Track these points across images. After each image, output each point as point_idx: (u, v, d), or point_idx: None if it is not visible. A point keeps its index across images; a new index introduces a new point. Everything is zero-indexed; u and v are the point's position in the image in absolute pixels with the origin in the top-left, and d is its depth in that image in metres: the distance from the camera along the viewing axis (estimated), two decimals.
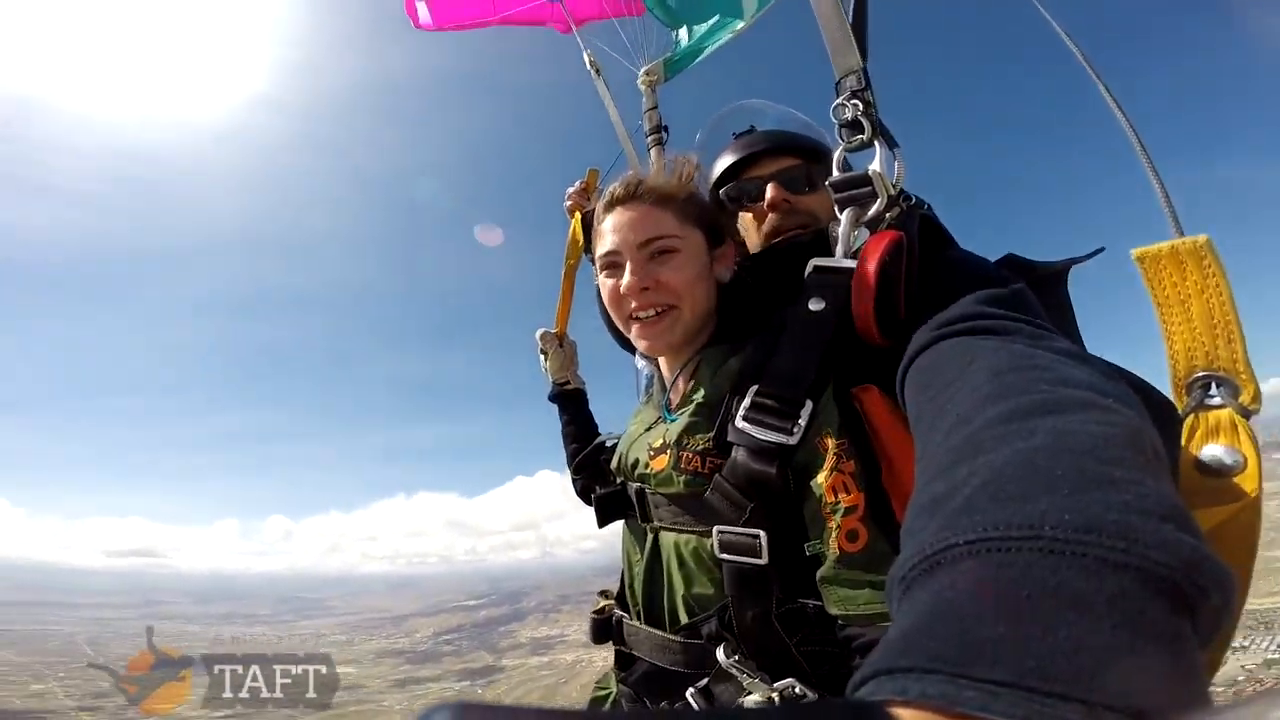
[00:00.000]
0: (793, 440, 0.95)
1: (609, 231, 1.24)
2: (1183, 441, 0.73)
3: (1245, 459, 0.68)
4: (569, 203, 1.98)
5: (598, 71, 2.42)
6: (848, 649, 0.91)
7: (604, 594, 1.41)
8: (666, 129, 2.22)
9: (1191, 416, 0.75)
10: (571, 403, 1.87)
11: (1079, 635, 0.33)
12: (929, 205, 1.21)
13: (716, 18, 2.44)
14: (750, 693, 0.97)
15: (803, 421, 0.95)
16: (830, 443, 0.95)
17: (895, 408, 0.90)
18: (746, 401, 1.00)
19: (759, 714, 0.33)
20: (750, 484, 0.98)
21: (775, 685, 0.96)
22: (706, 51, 2.47)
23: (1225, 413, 0.73)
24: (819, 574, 0.94)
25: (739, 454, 0.99)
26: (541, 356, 1.99)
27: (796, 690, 0.95)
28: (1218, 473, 0.69)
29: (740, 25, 2.41)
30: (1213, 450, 0.69)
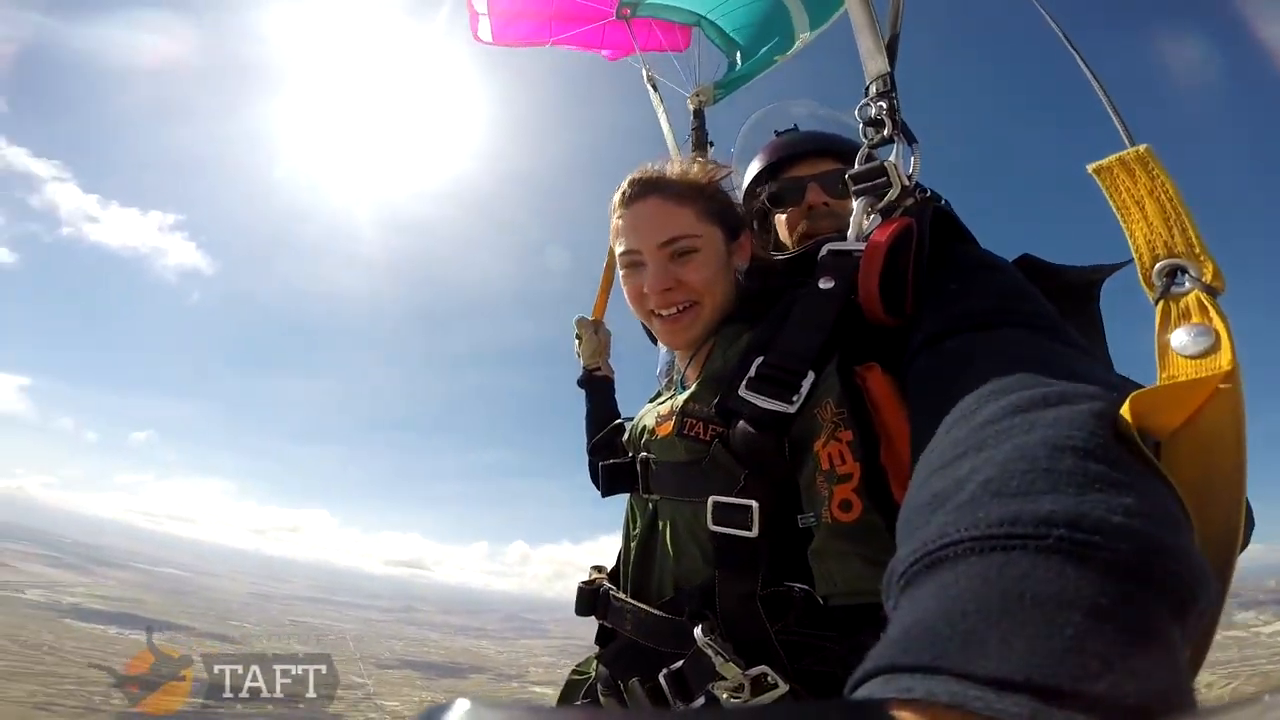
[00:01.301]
0: (792, 409, 0.94)
1: (628, 229, 1.26)
2: (1156, 328, 0.74)
3: (1217, 334, 0.68)
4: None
5: (654, 87, 2.48)
6: (831, 636, 0.92)
7: (597, 568, 1.40)
8: (712, 144, 2.32)
9: (1162, 303, 0.76)
10: (599, 390, 1.91)
11: (1083, 636, 0.33)
12: (946, 200, 1.25)
13: (769, 46, 2.52)
14: (722, 676, 0.95)
15: (804, 392, 0.94)
16: (829, 412, 0.95)
17: (897, 387, 0.89)
18: (751, 371, 0.99)
19: (759, 713, 0.33)
20: (747, 451, 0.99)
21: (748, 671, 0.94)
22: (755, 77, 2.57)
23: (1192, 295, 0.73)
24: (810, 547, 0.94)
25: (739, 422, 0.99)
26: (576, 341, 2.02)
27: (769, 679, 0.94)
28: (1193, 354, 0.69)
29: (790, 52, 2.53)
30: (1184, 332, 0.70)
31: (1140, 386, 0.64)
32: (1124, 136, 1.02)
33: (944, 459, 0.55)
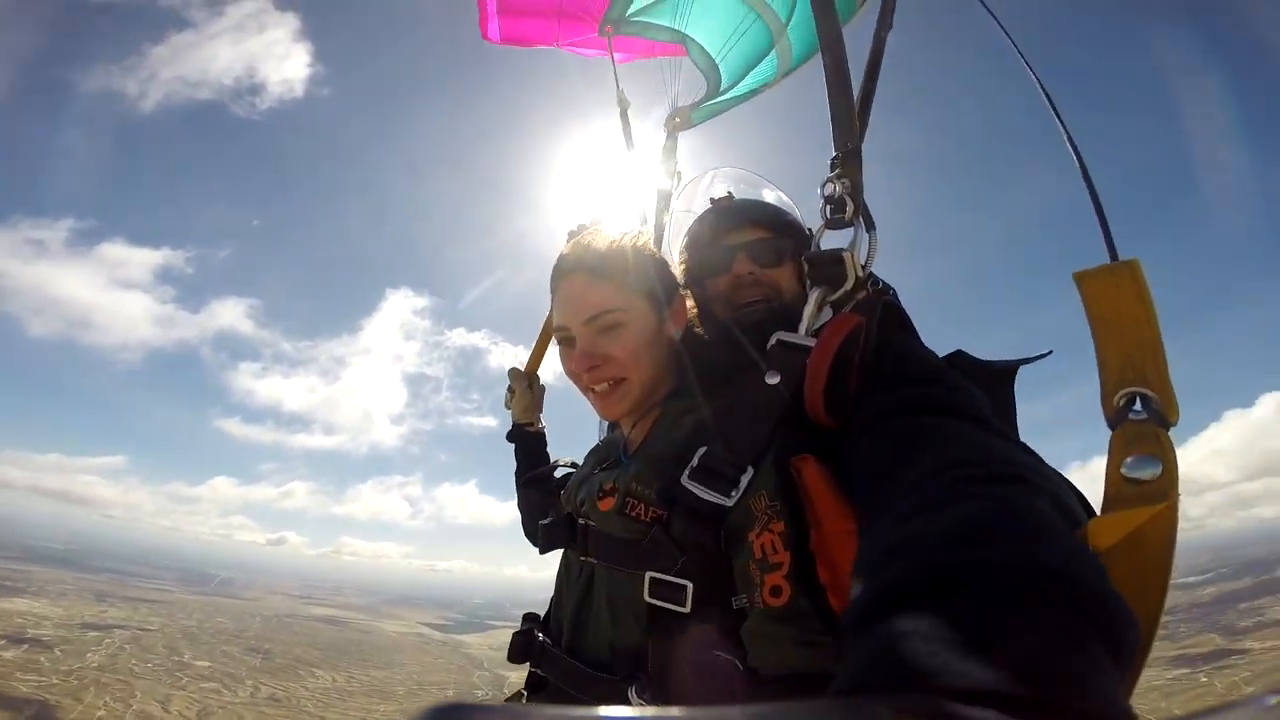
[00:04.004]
0: (729, 503, 1.00)
1: (559, 303, 1.28)
2: (1110, 450, 0.79)
3: (1164, 465, 0.73)
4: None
5: (625, 110, 2.38)
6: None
7: (529, 616, 1.43)
8: (680, 174, 2.22)
9: (1121, 429, 0.80)
10: (529, 446, 1.91)
11: (1038, 654, 0.40)
12: (894, 291, 1.28)
13: (753, 76, 2.47)
14: None
15: (742, 486, 1.00)
16: (763, 503, 0.99)
17: (831, 477, 0.96)
18: (694, 461, 1.05)
19: (759, 713, 0.33)
20: (685, 540, 1.04)
21: None
22: (735, 104, 2.53)
23: (1148, 425, 0.78)
24: (744, 627, 0.97)
25: (679, 509, 1.05)
26: (508, 393, 2.01)
27: None
28: (1139, 480, 0.74)
29: (770, 84, 2.49)
30: (1135, 459, 0.75)
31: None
32: (1107, 249, 0.96)
33: (899, 517, 0.64)
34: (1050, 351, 1.28)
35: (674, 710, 0.31)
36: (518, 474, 1.85)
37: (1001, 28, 1.38)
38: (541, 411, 2.00)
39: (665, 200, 2.13)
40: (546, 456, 1.88)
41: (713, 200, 1.56)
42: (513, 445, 1.93)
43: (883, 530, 0.64)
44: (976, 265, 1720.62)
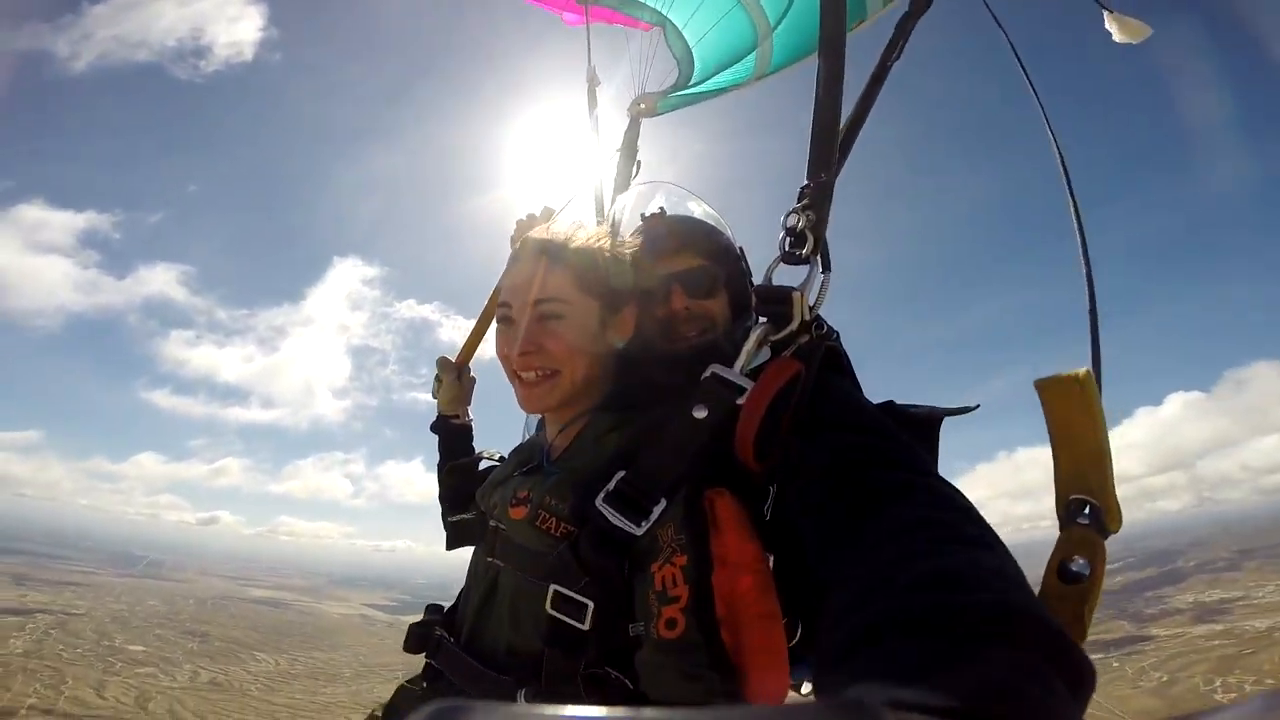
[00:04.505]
0: (639, 532, 1.03)
1: (508, 282, 1.29)
2: (1054, 549, 0.90)
3: (1091, 569, 0.86)
4: (516, 233, 1.79)
5: (593, 88, 2.27)
6: None
7: (433, 607, 1.45)
8: (640, 163, 2.16)
9: (1065, 531, 0.91)
10: (454, 439, 1.88)
11: (1008, 682, 0.48)
12: (838, 335, 1.27)
13: (728, 72, 2.39)
14: None
15: (653, 517, 1.03)
16: (669, 535, 1.02)
17: (744, 514, 1.02)
18: (610, 485, 1.07)
19: (759, 712, 0.39)
20: (591, 561, 1.06)
21: None
22: (704, 99, 2.45)
23: (1089, 531, 0.88)
24: (637, 655, 1.01)
25: (589, 530, 1.07)
26: (435, 383, 1.94)
27: None
28: (1074, 579, 0.87)
29: (741, 85, 2.42)
30: (1074, 562, 0.88)
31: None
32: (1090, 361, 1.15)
33: (872, 569, 0.70)
34: (977, 405, 1.32)
35: (674, 711, 0.34)
36: (439, 467, 1.79)
37: (1007, 40, 1.47)
38: (470, 404, 1.96)
39: (623, 187, 2.09)
40: (470, 450, 1.86)
41: (643, 216, 1.53)
42: (437, 439, 1.89)
43: (854, 579, 0.69)
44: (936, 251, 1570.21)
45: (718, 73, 2.41)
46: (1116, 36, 1.98)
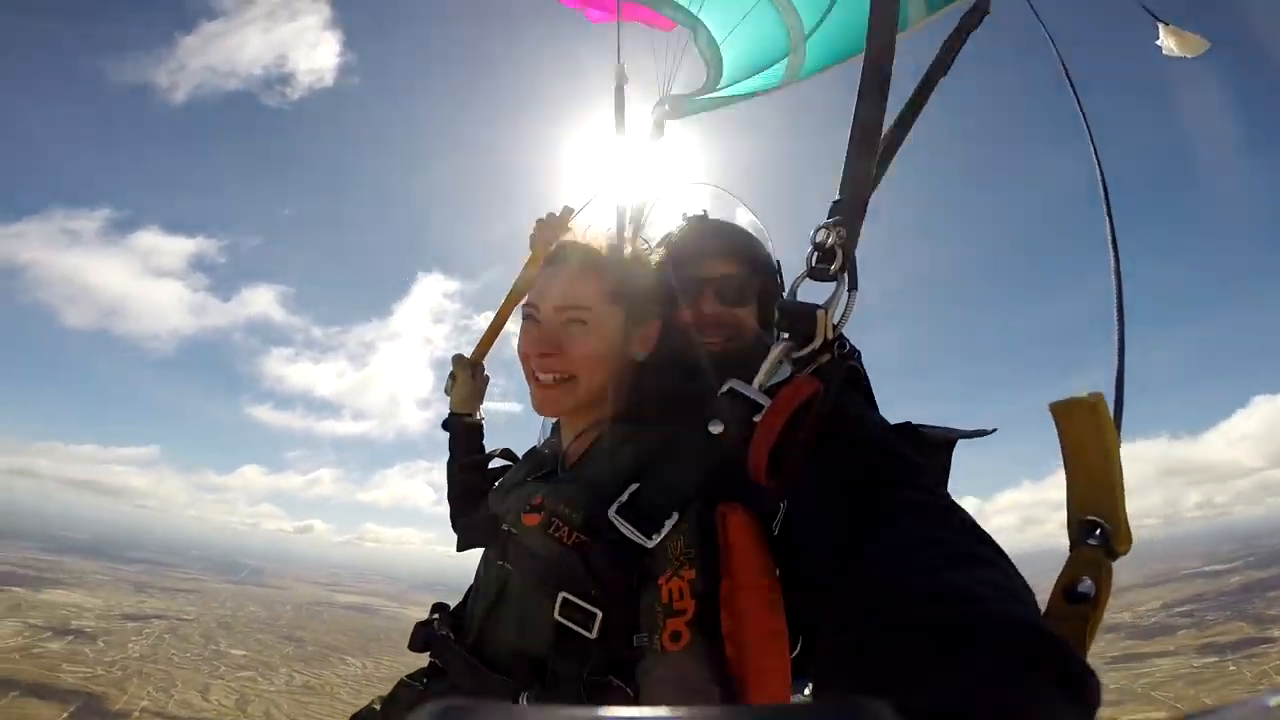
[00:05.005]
0: (650, 544, 1.04)
1: (540, 283, 1.31)
2: (1063, 569, 0.86)
3: (1097, 590, 0.81)
4: (540, 234, 1.81)
5: (621, 85, 2.12)
6: None
7: (438, 606, 1.45)
8: (663, 163, 2.15)
9: (1076, 551, 0.86)
10: (465, 437, 1.85)
11: (1002, 686, 0.48)
12: (859, 355, 1.22)
13: (757, 76, 2.34)
14: None
15: (664, 531, 1.04)
16: (679, 548, 1.04)
17: (756, 529, 1.03)
18: (624, 497, 1.09)
19: (760, 712, 0.37)
20: (602, 571, 1.08)
21: None
22: (731, 103, 2.38)
23: (1097, 552, 0.84)
24: (639, 665, 1.03)
25: (601, 540, 1.10)
26: (449, 380, 1.95)
27: None
28: (1079, 599, 0.82)
29: (770, 91, 2.37)
30: (1081, 582, 0.83)
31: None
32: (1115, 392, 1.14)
33: (879, 583, 0.69)
34: (994, 429, 1.35)
35: (675, 710, 0.32)
36: (449, 464, 1.81)
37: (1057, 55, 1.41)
38: (483, 402, 1.95)
39: (645, 190, 1.99)
40: (481, 449, 1.85)
41: (685, 217, 1.52)
42: (448, 436, 1.87)
43: (858, 592, 0.70)
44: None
45: (747, 77, 2.34)
46: (1172, 50, 1.85)
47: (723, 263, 1.43)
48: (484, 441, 1.88)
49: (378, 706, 1.47)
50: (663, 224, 1.58)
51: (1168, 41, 1.83)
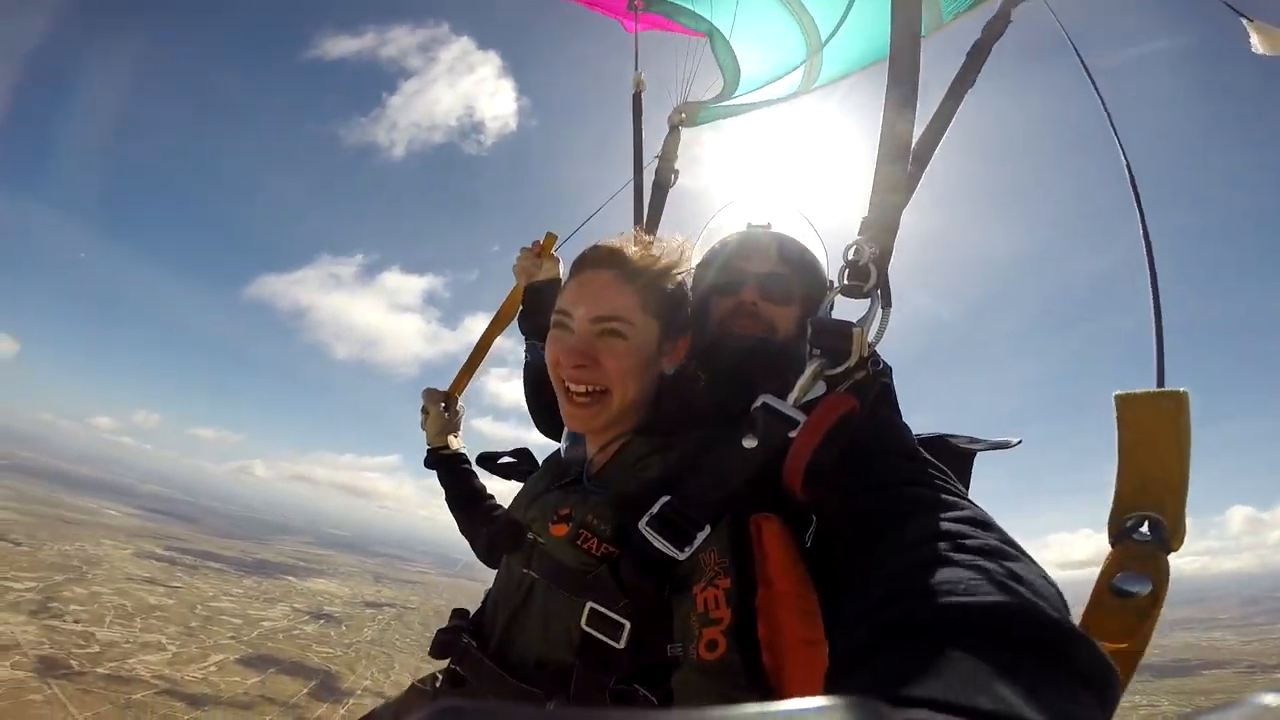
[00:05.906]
0: (682, 556, 1.01)
1: (572, 291, 1.27)
2: (1105, 566, 0.84)
3: (1154, 586, 0.79)
4: (520, 263, 1.91)
5: (639, 93, 2.23)
6: None
7: (459, 612, 1.44)
8: (677, 172, 2.14)
9: (1120, 546, 0.84)
10: (452, 469, 1.88)
11: (1013, 677, 0.47)
12: (891, 371, 1.24)
13: (772, 88, 2.35)
14: None
15: (696, 543, 1.01)
16: (713, 559, 1.01)
17: (790, 540, 1.01)
18: (655, 508, 1.05)
19: (763, 711, 0.35)
20: (631, 583, 1.05)
21: None
22: (746, 112, 2.40)
23: (1149, 546, 0.82)
24: (675, 676, 0.99)
25: (631, 552, 1.06)
26: (422, 415, 1.97)
27: None
28: (1126, 593, 0.79)
29: (786, 101, 2.36)
30: (1127, 574, 0.80)
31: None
32: (1156, 374, 0.99)
33: (898, 576, 0.68)
34: (1020, 441, 1.32)
35: (676, 711, 0.33)
36: (448, 500, 1.85)
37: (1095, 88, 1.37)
38: (459, 434, 1.97)
39: (660, 196, 2.08)
40: (471, 475, 1.88)
41: (749, 224, 1.53)
42: (435, 473, 1.92)
43: (870, 586, 0.69)
44: None
45: (763, 86, 2.34)
46: (1261, 49, 1.65)
47: (775, 262, 1.44)
48: (470, 467, 1.88)
49: (389, 709, 1.48)
50: (724, 230, 1.56)
51: (1257, 37, 1.60)
